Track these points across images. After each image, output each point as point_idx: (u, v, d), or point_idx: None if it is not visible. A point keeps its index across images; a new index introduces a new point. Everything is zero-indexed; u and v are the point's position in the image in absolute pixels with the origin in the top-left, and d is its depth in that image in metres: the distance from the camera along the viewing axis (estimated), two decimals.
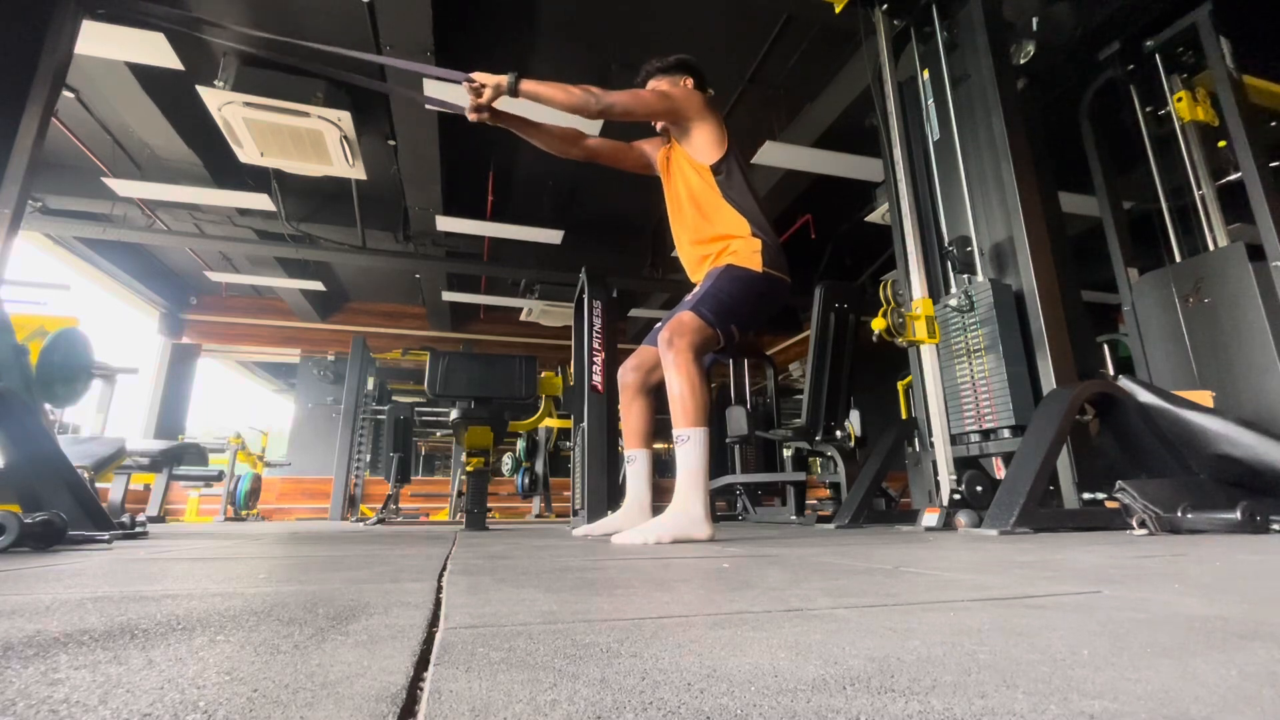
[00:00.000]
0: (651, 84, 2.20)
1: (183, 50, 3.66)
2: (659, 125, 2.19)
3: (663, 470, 8.24)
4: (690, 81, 2.19)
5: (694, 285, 2.14)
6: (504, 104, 2.03)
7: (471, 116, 2.01)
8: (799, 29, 3.92)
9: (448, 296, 7.69)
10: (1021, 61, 3.30)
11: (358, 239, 6.05)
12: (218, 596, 0.72)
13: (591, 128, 4.22)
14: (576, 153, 2.22)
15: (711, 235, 2.06)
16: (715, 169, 2.05)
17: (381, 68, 3.86)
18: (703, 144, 2.06)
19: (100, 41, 3.49)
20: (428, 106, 2.63)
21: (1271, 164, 2.83)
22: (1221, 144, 2.98)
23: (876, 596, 0.68)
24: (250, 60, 3.94)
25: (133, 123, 4.56)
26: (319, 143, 4.33)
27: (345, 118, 4.11)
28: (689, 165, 2.10)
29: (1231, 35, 3.09)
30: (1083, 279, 3.60)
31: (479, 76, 1.95)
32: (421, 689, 0.35)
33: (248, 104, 3.93)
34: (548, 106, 1.94)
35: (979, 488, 2.39)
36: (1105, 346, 4.17)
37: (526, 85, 1.91)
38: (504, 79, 1.91)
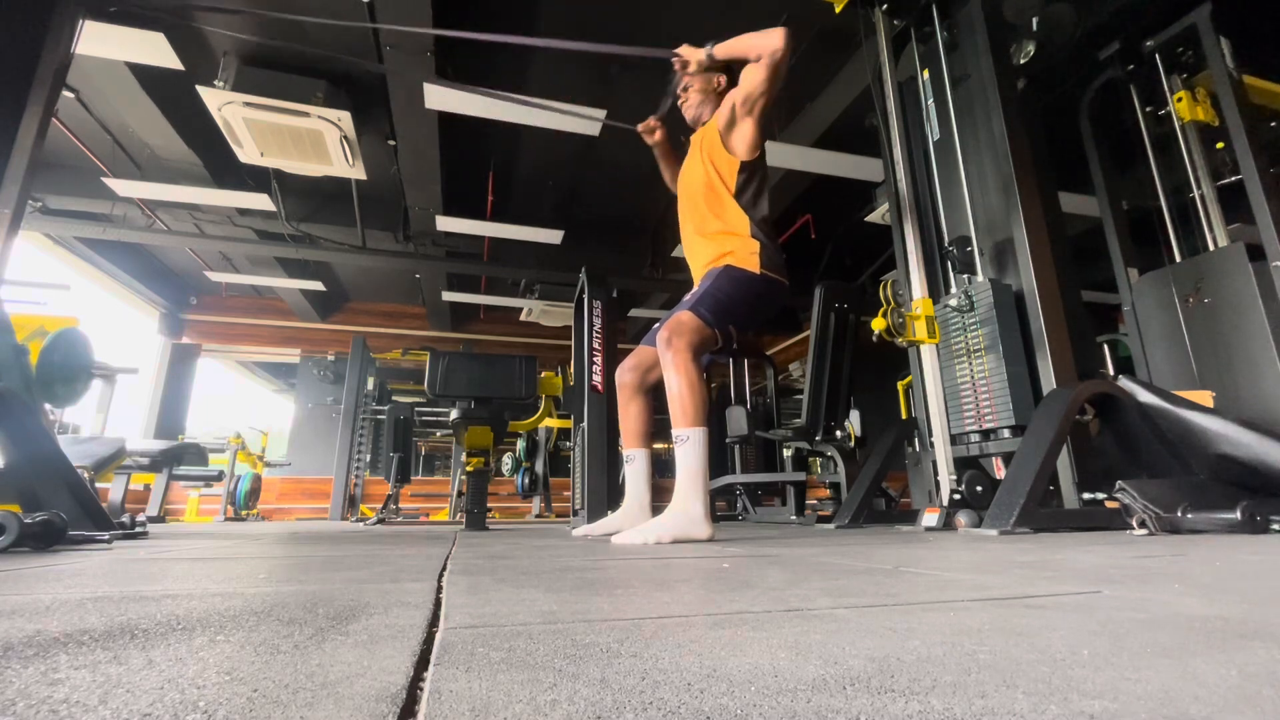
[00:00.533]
0: (685, 81, 2.23)
1: (183, 50, 3.66)
2: (706, 115, 2.20)
3: (662, 470, 8.25)
4: (724, 80, 2.21)
5: (691, 269, 2.17)
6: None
7: (644, 126, 2.24)
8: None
9: (448, 296, 7.69)
10: (1021, 61, 3.30)
11: (358, 239, 6.05)
12: (218, 596, 0.72)
13: (593, 127, 4.22)
14: (654, 141, 2.36)
15: (713, 230, 2.07)
16: (743, 167, 2.06)
17: (382, 62, 3.85)
18: (749, 139, 2.05)
19: (100, 41, 3.49)
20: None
21: (1271, 170, 2.83)
22: (1220, 145, 2.98)
23: (876, 596, 0.68)
24: (251, 60, 3.93)
25: (133, 123, 4.56)
26: (319, 143, 4.33)
27: (345, 118, 4.10)
28: (719, 153, 2.08)
29: (1231, 35, 3.09)
30: (1083, 279, 3.61)
31: (685, 51, 2.08)
32: (421, 689, 0.35)
33: (248, 104, 3.93)
34: (745, 55, 1.99)
35: (979, 488, 2.39)
36: (1105, 346, 4.17)
37: (720, 49, 2.02)
38: (703, 51, 2.05)
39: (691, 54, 2.05)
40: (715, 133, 2.10)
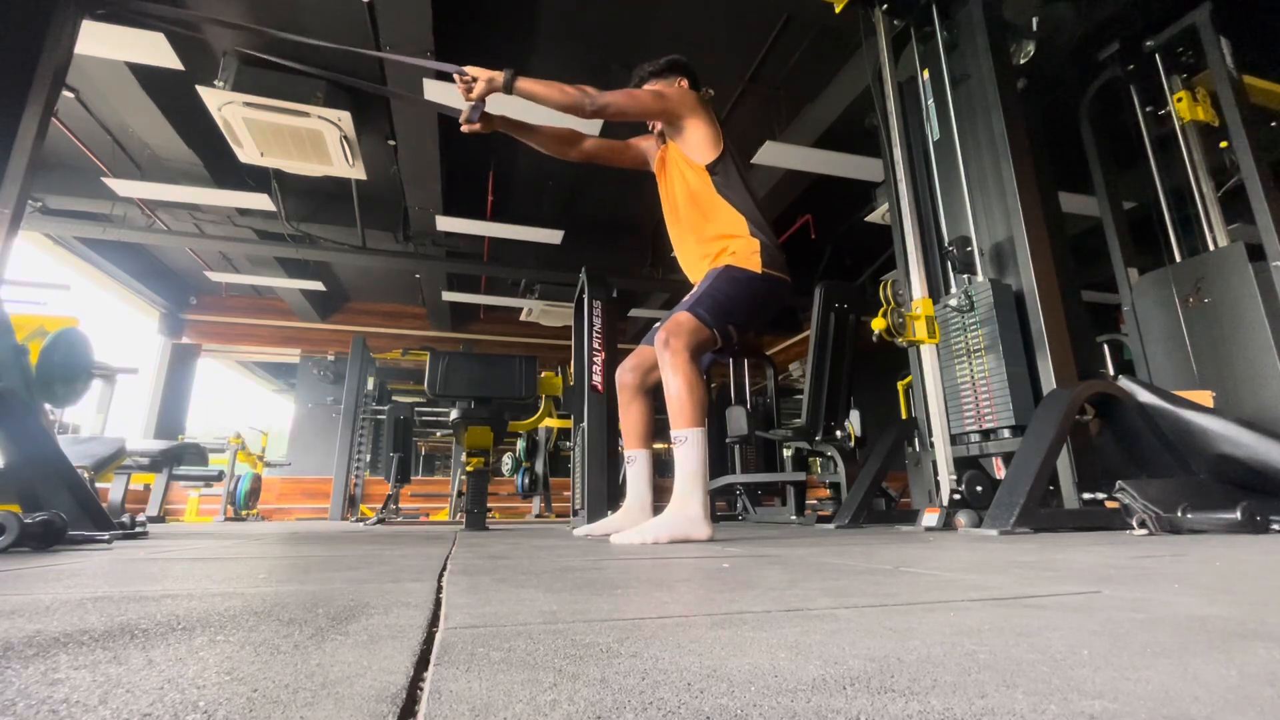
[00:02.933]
0: (646, 88, 2.20)
1: (183, 50, 3.66)
2: (654, 126, 2.19)
3: (663, 470, 8.25)
4: (684, 81, 2.19)
5: (692, 284, 2.15)
6: (500, 104, 2.00)
7: (464, 127, 1.97)
8: (799, 29, 3.91)
9: (448, 296, 7.69)
10: (1021, 61, 3.29)
11: (358, 239, 6.05)
12: (218, 596, 0.72)
13: (589, 128, 4.22)
14: (574, 154, 2.22)
15: (710, 235, 2.06)
16: (711, 168, 2.05)
17: (381, 64, 3.87)
18: (697, 143, 2.06)
19: (100, 41, 3.49)
20: (431, 105, 2.58)
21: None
22: (1224, 144, 2.97)
23: (876, 596, 0.68)
24: (250, 60, 3.94)
25: (133, 123, 4.56)
26: (319, 143, 4.33)
27: (345, 118, 4.10)
28: (685, 165, 2.09)
29: (1231, 35, 3.09)
30: (1083, 279, 3.61)
31: (472, 70, 1.90)
32: (421, 689, 0.35)
33: (248, 104, 3.93)
34: (543, 106, 1.92)
35: (979, 488, 2.39)
36: (1105, 346, 4.17)
37: (522, 84, 1.87)
38: (500, 75, 1.87)
39: (481, 74, 1.88)
40: (675, 145, 2.12)
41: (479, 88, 1.90)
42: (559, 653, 0.43)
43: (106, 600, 0.69)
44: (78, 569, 1.08)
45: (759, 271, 1.96)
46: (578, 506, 3.64)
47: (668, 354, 1.86)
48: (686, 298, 2.01)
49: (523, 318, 8.26)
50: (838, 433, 3.74)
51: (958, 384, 2.65)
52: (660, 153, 2.23)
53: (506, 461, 7.29)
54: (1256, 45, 3.44)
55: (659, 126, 2.18)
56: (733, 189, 2.05)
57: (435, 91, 3.88)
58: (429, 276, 7.13)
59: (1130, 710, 0.30)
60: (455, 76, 1.93)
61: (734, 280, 1.96)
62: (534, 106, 1.95)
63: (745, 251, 1.98)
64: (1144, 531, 1.79)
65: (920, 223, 2.86)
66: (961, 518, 2.23)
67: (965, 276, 2.78)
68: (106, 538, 1.80)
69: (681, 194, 2.12)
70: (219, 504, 6.27)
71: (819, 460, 4.56)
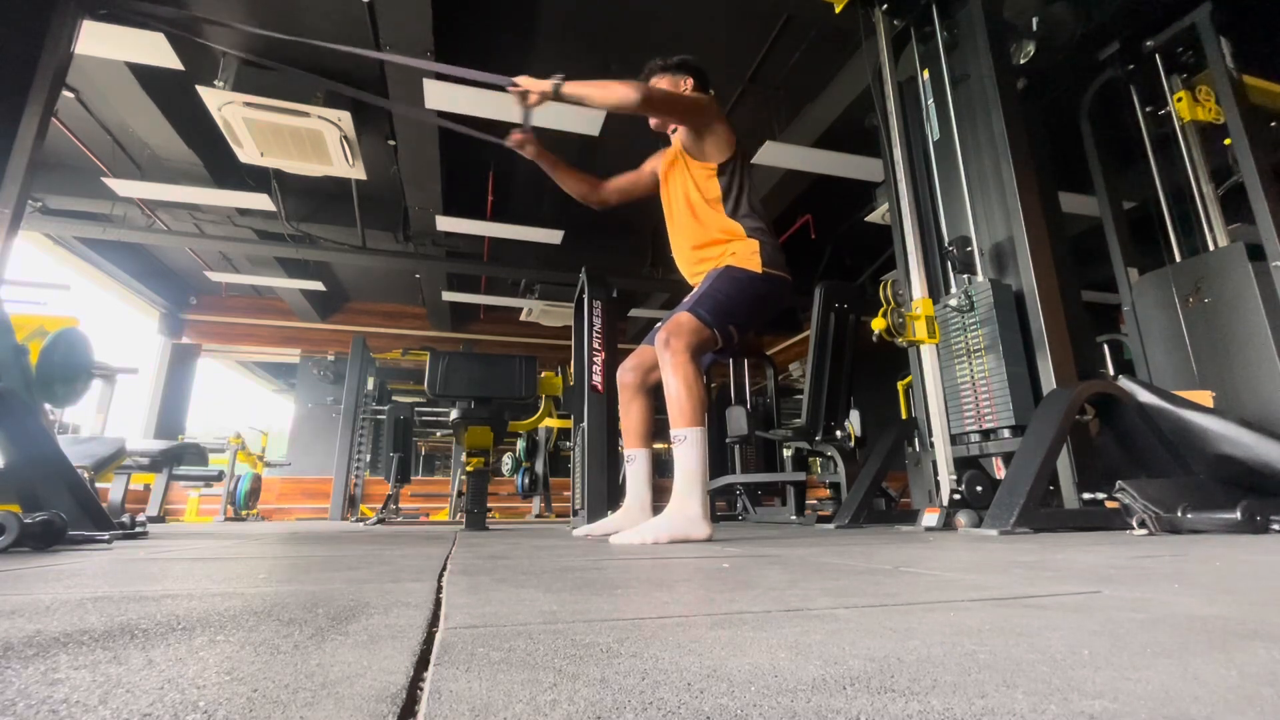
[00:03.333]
0: (653, 82, 2.19)
1: (183, 50, 3.66)
2: (670, 128, 2.18)
3: (663, 470, 8.25)
4: (690, 82, 2.18)
5: (690, 286, 2.15)
6: (545, 114, 2.01)
7: (513, 141, 2.03)
8: (799, 29, 3.91)
9: (448, 296, 7.69)
10: (1021, 61, 3.30)
11: (358, 239, 6.05)
12: (218, 596, 0.72)
13: (593, 127, 4.22)
14: (596, 198, 2.29)
15: (710, 239, 2.07)
16: (721, 169, 2.05)
17: (381, 66, 3.87)
18: (713, 148, 2.06)
19: (100, 41, 3.49)
20: (450, 127, 2.58)
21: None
22: (1228, 141, 2.97)
23: (876, 596, 0.68)
24: (251, 61, 3.94)
25: (133, 123, 4.56)
26: (319, 143, 4.33)
27: (345, 118, 4.11)
28: (694, 167, 2.09)
29: (1231, 35, 3.09)
30: (1083, 279, 3.61)
31: (524, 81, 1.91)
32: (421, 689, 0.35)
33: (248, 104, 3.93)
34: (591, 107, 1.92)
35: (979, 488, 2.39)
36: (1105, 346, 4.17)
37: (569, 87, 1.87)
38: (548, 83, 1.87)
39: (532, 85, 1.89)
40: (684, 149, 2.11)
41: (534, 97, 1.91)
42: (559, 653, 0.43)
43: (106, 600, 0.69)
44: (78, 569, 1.08)
45: (759, 271, 1.96)
46: (578, 506, 3.64)
47: (668, 354, 1.87)
48: (687, 298, 2.01)
49: (523, 318, 8.26)
50: (838, 433, 3.74)
51: (958, 384, 2.65)
52: (669, 156, 2.22)
53: (506, 461, 7.29)
54: (1256, 45, 3.44)
55: (673, 129, 2.17)
56: (736, 191, 2.05)
57: (435, 96, 3.88)
58: (429, 276, 7.13)
59: (1130, 710, 0.30)
60: (509, 87, 1.95)
61: (734, 280, 1.96)
62: (568, 115, 1.95)
63: (745, 252, 1.98)
64: (1144, 531, 1.79)
65: (920, 223, 2.86)
66: (961, 518, 2.23)
67: (965, 276, 2.78)
68: (106, 538, 1.80)
69: (683, 197, 2.12)
70: (219, 504, 6.27)
71: (819, 460, 4.56)
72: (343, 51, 2.20)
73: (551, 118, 4.00)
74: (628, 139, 2.49)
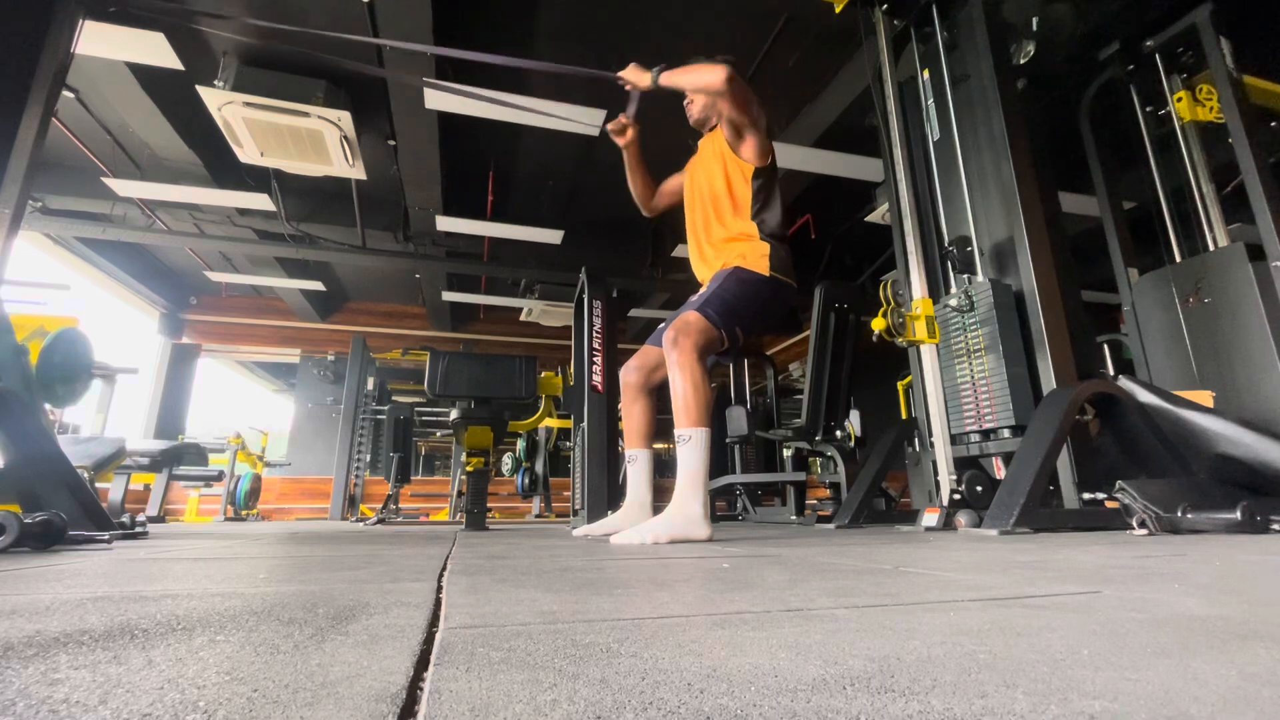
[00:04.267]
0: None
1: (183, 50, 3.66)
2: (710, 123, 2.20)
3: (663, 470, 8.25)
4: None
5: (699, 282, 2.15)
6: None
7: (615, 124, 2.16)
8: (799, 29, 3.91)
9: (448, 296, 7.69)
10: (1021, 61, 3.30)
11: (358, 239, 6.05)
12: (218, 596, 0.72)
13: (592, 127, 4.22)
14: (655, 205, 2.38)
15: (725, 235, 2.08)
16: (757, 173, 2.06)
17: (379, 52, 3.86)
18: (756, 150, 2.07)
19: (100, 41, 3.49)
20: (433, 85, 2.58)
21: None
22: (1231, 140, 2.97)
23: (876, 596, 0.68)
24: (250, 60, 3.94)
25: (133, 123, 4.56)
26: (319, 143, 4.33)
27: (345, 118, 4.10)
28: (729, 162, 2.09)
29: (1231, 35, 3.09)
30: (1083, 279, 3.61)
31: (627, 75, 2.03)
32: (421, 689, 0.35)
33: (248, 104, 3.93)
34: (687, 90, 2.02)
35: (979, 488, 2.39)
36: (1105, 346, 4.17)
37: (665, 78, 1.99)
38: (649, 74, 1.99)
39: (637, 76, 2.02)
40: (725, 140, 2.12)
41: (642, 84, 2.02)
42: (559, 653, 0.43)
43: (106, 600, 0.69)
44: (78, 569, 1.08)
45: (767, 275, 1.97)
46: (578, 506, 3.64)
47: (676, 353, 1.87)
48: (695, 297, 2.01)
49: (523, 318, 8.26)
50: (838, 433, 3.73)
51: (958, 384, 2.65)
52: (703, 147, 2.23)
53: (506, 461, 7.29)
54: (1256, 45, 3.43)
55: (716, 121, 2.18)
56: (769, 196, 2.07)
57: (434, 100, 3.88)
58: (429, 276, 7.13)
59: (1130, 710, 0.30)
60: (619, 82, 2.08)
61: (742, 282, 1.97)
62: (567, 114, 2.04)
63: (755, 254, 1.99)
64: (1144, 531, 1.79)
65: (920, 223, 2.86)
66: (961, 518, 2.23)
67: (965, 276, 2.78)
68: (106, 538, 1.80)
69: (708, 191, 2.13)
70: (219, 504, 6.27)
71: (819, 460, 4.56)
72: (350, 42, 2.19)
73: (553, 119, 3.99)
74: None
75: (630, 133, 2.23)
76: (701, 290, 2.05)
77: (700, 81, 1.96)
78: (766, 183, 2.07)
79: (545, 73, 4.05)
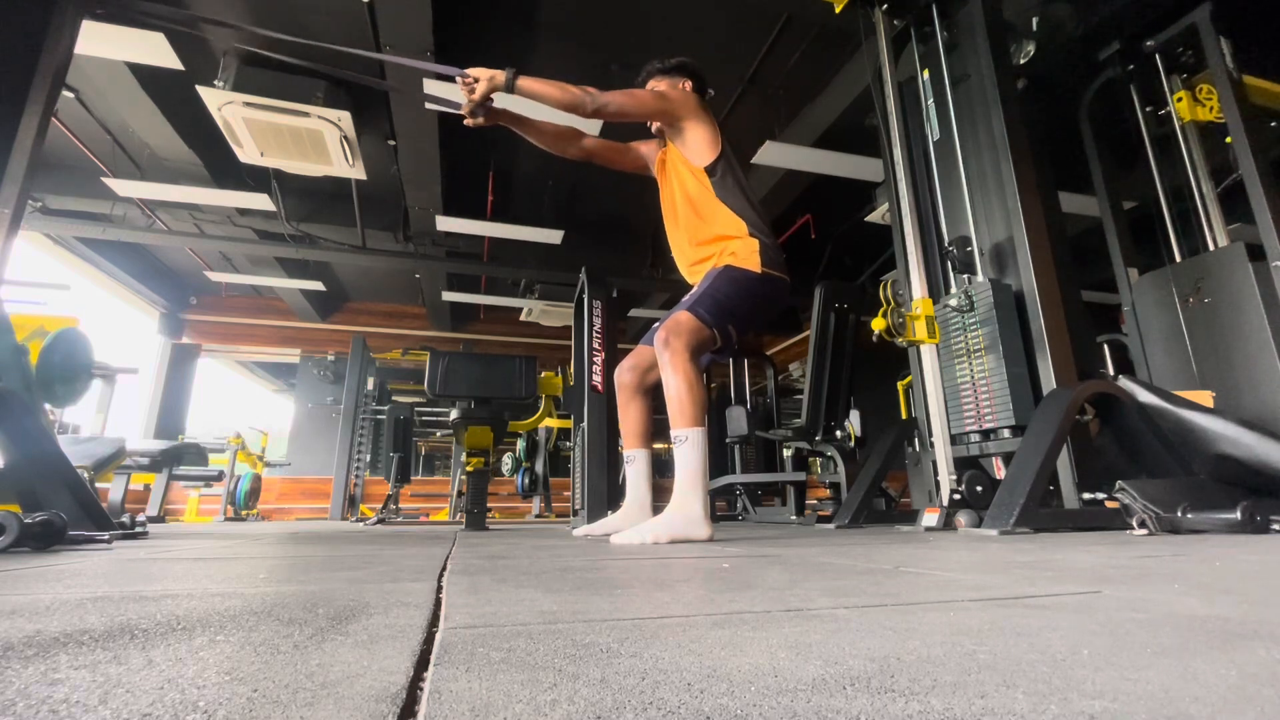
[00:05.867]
0: (651, 84, 2.20)
1: (183, 50, 3.66)
2: (654, 127, 2.19)
3: (662, 470, 8.25)
4: (689, 84, 2.20)
5: (689, 285, 2.15)
6: (502, 101, 2.02)
7: (467, 120, 2.01)
8: (799, 29, 3.91)
9: (448, 296, 7.69)
10: (1021, 61, 3.30)
11: (358, 239, 6.05)
12: (218, 596, 0.72)
13: (590, 127, 4.22)
14: (574, 151, 2.23)
15: (708, 237, 2.07)
16: (710, 170, 2.05)
17: (381, 64, 3.87)
18: (696, 145, 2.06)
19: (100, 41, 3.49)
20: (428, 106, 2.59)
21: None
22: (1230, 139, 2.97)
23: (876, 596, 0.68)
24: (250, 60, 3.94)
25: (133, 123, 4.56)
26: (319, 143, 4.33)
27: (345, 118, 4.10)
28: (684, 167, 2.10)
29: (1231, 35, 3.09)
30: (1083, 279, 3.61)
31: (474, 72, 1.93)
32: (421, 689, 0.35)
33: (248, 104, 3.93)
34: (544, 104, 1.93)
35: (979, 488, 2.39)
36: (1105, 346, 4.17)
37: (524, 82, 1.90)
38: (501, 74, 1.89)
39: (483, 74, 1.89)
40: (674, 147, 2.13)
41: (481, 88, 1.92)
42: (559, 653, 0.43)
43: (106, 600, 0.69)
44: (78, 569, 1.08)
45: (759, 271, 1.96)
46: (578, 506, 3.64)
47: (667, 354, 1.86)
48: (686, 297, 2.00)
49: (523, 318, 8.26)
50: (838, 433, 3.73)
51: (958, 384, 2.65)
52: (661, 155, 2.23)
53: (506, 461, 7.29)
54: (1256, 45, 3.44)
55: (658, 127, 2.18)
56: (730, 190, 2.05)
57: (435, 87, 3.88)
58: (429, 276, 7.14)
59: (1130, 710, 0.30)
60: (458, 79, 1.95)
61: (733, 280, 1.96)
62: (536, 104, 1.96)
63: (745, 252, 1.98)
64: (1144, 531, 1.79)
65: (920, 223, 2.86)
66: (961, 518, 2.23)
67: (965, 276, 2.78)
68: (106, 538, 1.80)
69: (680, 196, 2.12)
70: (219, 504, 6.27)
71: (819, 460, 4.56)
72: (343, 53, 2.20)
73: (546, 114, 3.99)
74: (618, 135, 2.48)
75: (485, 119, 2.01)
76: (693, 290, 2.04)
77: (563, 99, 1.88)
78: (725, 173, 2.06)
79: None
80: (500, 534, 2.60)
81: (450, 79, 1.99)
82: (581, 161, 2.30)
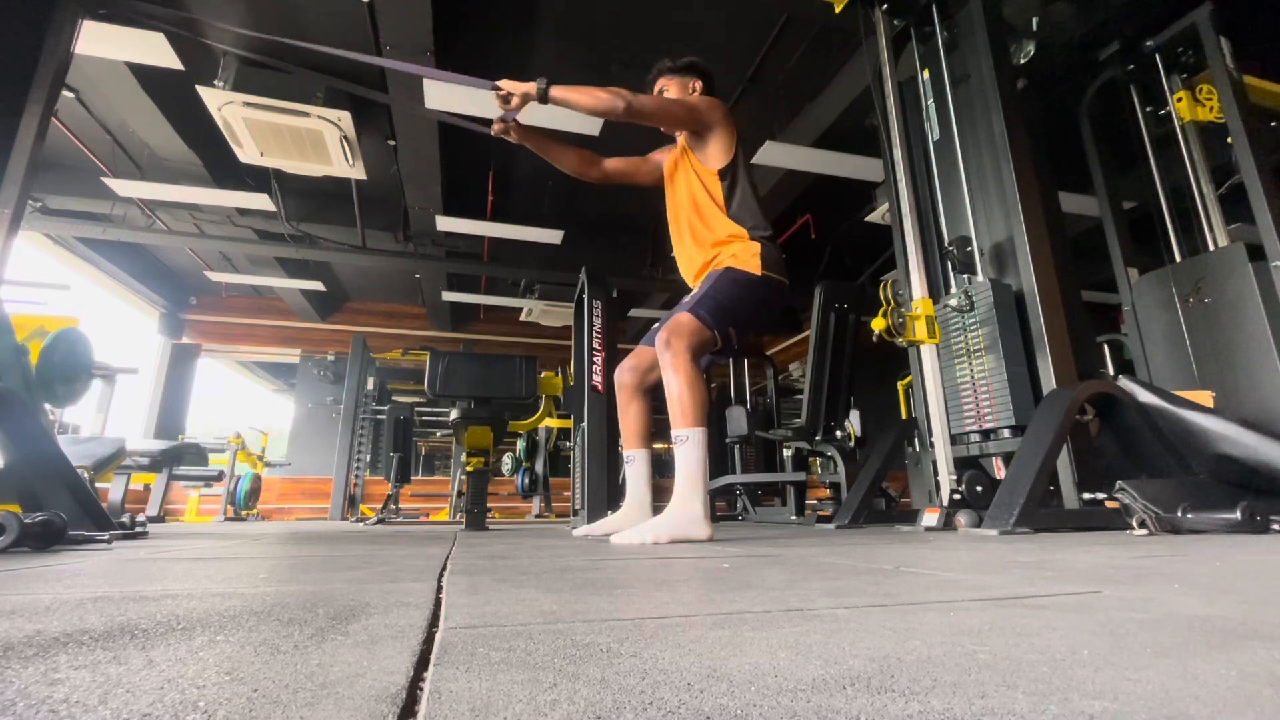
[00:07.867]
0: (660, 83, 2.20)
1: (183, 50, 3.66)
2: (675, 131, 2.19)
3: (662, 470, 8.24)
4: (699, 84, 2.19)
5: (690, 287, 2.15)
6: (530, 113, 2.03)
7: (496, 129, 2.03)
8: (799, 29, 3.91)
9: (448, 296, 7.69)
10: (1021, 61, 3.29)
11: (358, 239, 6.05)
12: (218, 596, 0.72)
13: (593, 126, 4.22)
14: (595, 174, 2.27)
15: (713, 239, 2.07)
16: (722, 174, 2.06)
17: (381, 70, 3.87)
18: (715, 150, 2.07)
19: (100, 41, 3.49)
20: (450, 123, 2.58)
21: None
22: (1230, 139, 2.97)
23: (876, 596, 0.68)
24: (250, 60, 3.94)
25: (133, 123, 4.56)
26: (319, 143, 4.33)
27: (345, 118, 4.10)
28: (696, 169, 2.10)
29: (1231, 35, 3.09)
30: (1083, 279, 3.61)
31: (507, 84, 1.93)
32: (421, 689, 0.35)
33: (248, 104, 3.93)
34: (577, 111, 1.93)
35: (979, 488, 2.39)
36: (1105, 346, 4.17)
37: (556, 92, 1.89)
38: (533, 86, 1.90)
39: (515, 87, 1.92)
40: (689, 150, 2.13)
41: (515, 101, 1.94)
42: (559, 653, 0.43)
43: (106, 600, 0.69)
44: (78, 569, 1.08)
45: (759, 274, 1.96)
46: (578, 506, 3.64)
47: (669, 354, 1.86)
48: (687, 298, 2.01)
49: (523, 318, 8.26)
50: (838, 433, 3.73)
51: (958, 384, 2.65)
52: (674, 158, 2.23)
53: (506, 461, 7.29)
54: (1256, 45, 3.43)
55: (679, 132, 2.18)
56: (740, 193, 2.06)
57: (435, 97, 3.88)
58: (429, 276, 7.13)
59: (1130, 710, 0.30)
60: (492, 92, 1.96)
61: (734, 282, 1.96)
62: (565, 115, 1.97)
63: (746, 254, 1.99)
64: (1144, 531, 1.79)
65: (920, 223, 2.86)
66: (961, 518, 2.23)
67: (965, 276, 2.78)
68: (106, 538, 1.80)
69: (687, 198, 2.13)
70: (219, 504, 6.27)
71: (819, 460, 4.56)
72: (338, 55, 2.20)
73: (544, 117, 3.99)
74: (627, 140, 2.49)
75: (514, 134, 2.08)
76: (693, 291, 2.04)
77: (595, 105, 1.88)
78: (736, 179, 2.06)
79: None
80: (500, 534, 2.60)
81: (484, 90, 1.99)
82: (603, 183, 2.33)
